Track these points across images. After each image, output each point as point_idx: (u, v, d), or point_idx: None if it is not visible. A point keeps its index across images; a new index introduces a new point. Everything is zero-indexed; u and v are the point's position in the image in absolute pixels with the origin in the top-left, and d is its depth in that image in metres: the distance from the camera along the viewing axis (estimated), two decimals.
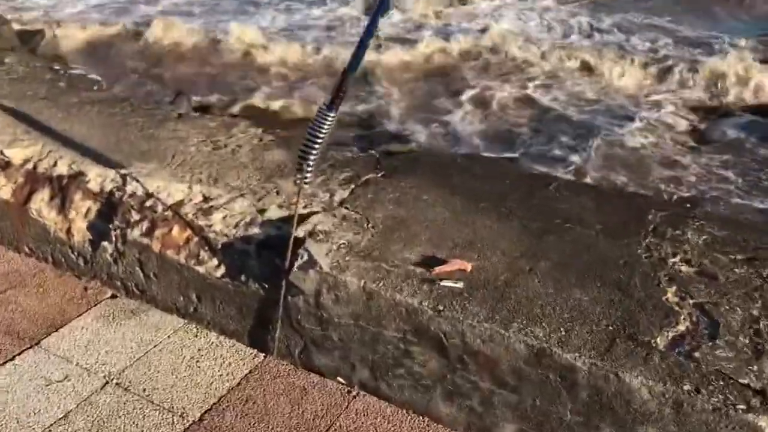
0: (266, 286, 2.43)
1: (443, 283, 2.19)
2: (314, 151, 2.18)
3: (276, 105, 9.22)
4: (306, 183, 2.24)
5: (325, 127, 2.15)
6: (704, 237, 2.49)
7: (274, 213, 2.60)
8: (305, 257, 2.33)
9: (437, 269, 2.25)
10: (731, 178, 5.47)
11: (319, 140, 2.16)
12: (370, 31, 2.06)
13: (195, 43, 9.80)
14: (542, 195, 2.75)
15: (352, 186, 2.78)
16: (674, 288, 2.21)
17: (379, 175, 2.87)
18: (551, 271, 2.29)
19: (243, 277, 2.47)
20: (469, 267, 2.27)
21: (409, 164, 2.98)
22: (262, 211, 2.61)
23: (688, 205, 2.69)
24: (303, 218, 2.52)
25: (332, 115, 2.14)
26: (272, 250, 2.48)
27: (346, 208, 2.62)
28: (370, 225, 2.50)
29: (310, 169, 2.21)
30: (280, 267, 2.37)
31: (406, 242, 2.41)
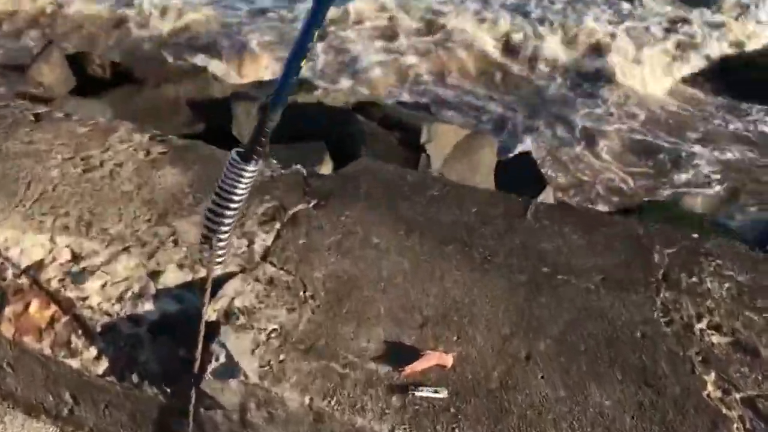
0: (168, 390, 1.76)
1: (420, 393, 1.59)
2: (227, 221, 1.50)
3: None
4: (218, 263, 1.56)
5: (242, 186, 1.46)
6: (726, 285, 2.00)
7: (172, 277, 1.91)
8: (222, 357, 1.67)
9: (409, 369, 1.64)
10: None
11: (234, 205, 1.48)
12: (302, 49, 1.37)
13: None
14: (520, 227, 2.16)
15: (277, 226, 2.10)
16: (712, 375, 1.71)
17: (311, 204, 2.21)
18: (554, 356, 1.73)
19: (134, 377, 1.79)
20: (449, 361, 1.68)
21: (347, 185, 2.32)
22: (155, 274, 1.91)
23: (696, 236, 2.15)
24: (215, 285, 1.84)
25: (251, 169, 1.45)
26: (173, 334, 1.80)
27: (273, 264, 1.96)
28: (308, 293, 1.86)
29: (222, 244, 1.53)
30: (187, 362, 1.71)
31: (359, 320, 1.79)
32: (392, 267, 1.96)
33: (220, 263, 1.56)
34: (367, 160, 2.44)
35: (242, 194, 1.47)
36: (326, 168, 6.04)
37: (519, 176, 7.16)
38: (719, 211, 7.90)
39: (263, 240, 2.04)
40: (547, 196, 7.00)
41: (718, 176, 8.42)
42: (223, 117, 6.82)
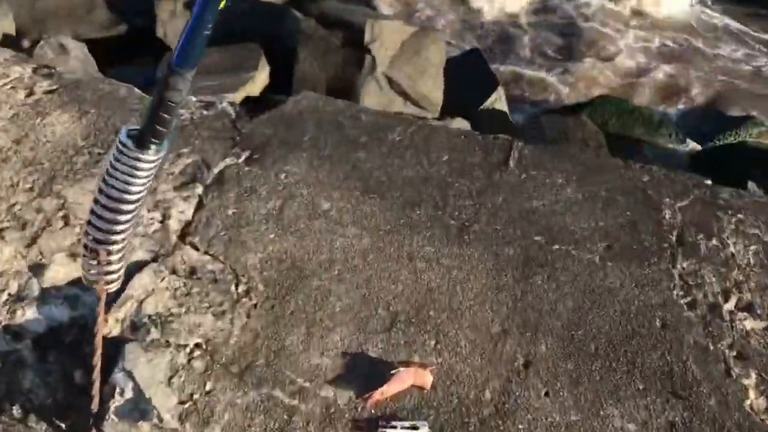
0: (61, 426, 1.35)
1: (393, 430, 1.22)
2: (120, 227, 1.04)
3: None
4: (110, 281, 1.11)
5: (138, 180, 1.01)
6: (753, 248, 1.65)
7: (61, 271, 1.46)
8: (128, 391, 1.25)
9: (377, 395, 1.26)
10: None
11: (129, 207, 1.03)
12: None
13: None
14: (502, 180, 1.76)
15: (199, 190, 1.65)
16: (753, 376, 1.38)
17: (242, 158, 1.75)
18: (559, 361, 1.37)
19: (16, 409, 1.36)
20: (428, 379, 1.30)
21: (286, 128, 1.85)
22: (39, 268, 1.46)
23: (709, 182, 1.79)
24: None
25: (150, 158, 0.99)
26: (65, 350, 1.38)
27: (194, 246, 1.52)
28: (241, 287, 1.44)
29: (114, 257, 1.08)
30: (84, 390, 1.30)
31: (310, 323, 1.38)
32: (348, 243, 1.55)
33: (112, 282, 1.11)
34: (311, 96, 1.96)
35: (139, 191, 1.02)
36: (262, 73, 5.46)
37: (469, 75, 6.74)
38: (663, 102, 7.73)
39: (181, 212, 1.59)
40: (498, 96, 6.62)
41: (663, 65, 8.23)
42: (146, 16, 6.10)
